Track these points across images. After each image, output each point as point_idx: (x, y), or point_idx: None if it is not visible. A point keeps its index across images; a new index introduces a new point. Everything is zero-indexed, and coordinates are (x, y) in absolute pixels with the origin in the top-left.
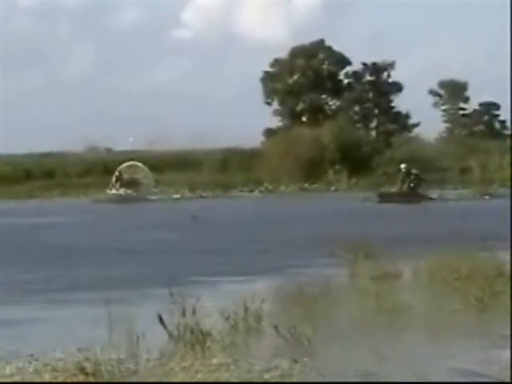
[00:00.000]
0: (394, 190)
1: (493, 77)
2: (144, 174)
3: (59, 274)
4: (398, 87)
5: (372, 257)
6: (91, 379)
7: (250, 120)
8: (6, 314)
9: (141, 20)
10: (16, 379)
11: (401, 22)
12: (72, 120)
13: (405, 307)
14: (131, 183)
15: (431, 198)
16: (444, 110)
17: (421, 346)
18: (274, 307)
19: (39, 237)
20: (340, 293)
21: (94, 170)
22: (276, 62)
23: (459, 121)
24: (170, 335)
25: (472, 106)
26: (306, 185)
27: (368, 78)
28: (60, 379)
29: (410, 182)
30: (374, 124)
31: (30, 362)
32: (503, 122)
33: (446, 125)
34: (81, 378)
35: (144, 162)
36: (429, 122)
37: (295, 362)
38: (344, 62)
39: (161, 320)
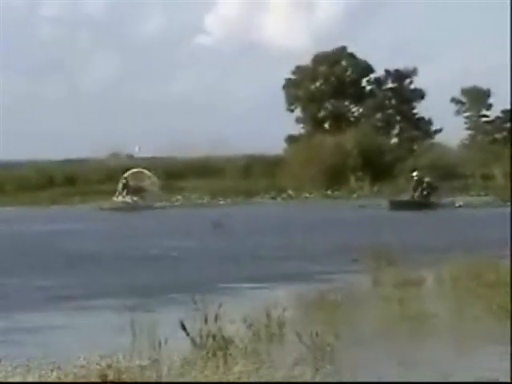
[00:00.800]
0: (406, 197)
1: None
2: (150, 181)
3: (84, 281)
4: (420, 94)
5: (395, 264)
6: None
7: (272, 127)
8: (28, 320)
9: (162, 29)
10: None
11: (424, 28)
12: (94, 127)
13: (428, 314)
14: (137, 190)
15: (443, 206)
16: (466, 117)
17: (444, 353)
18: (296, 314)
19: (63, 244)
20: (363, 300)
21: (116, 176)
22: (298, 69)
23: (482, 128)
24: (193, 342)
25: (494, 112)
26: (329, 192)
27: (390, 84)
28: None
29: (422, 190)
30: (396, 131)
31: (52, 370)
32: None
33: (469, 132)
34: None
35: (166, 169)
36: (451, 129)
37: (317, 369)
38: (367, 68)
39: (183, 327)
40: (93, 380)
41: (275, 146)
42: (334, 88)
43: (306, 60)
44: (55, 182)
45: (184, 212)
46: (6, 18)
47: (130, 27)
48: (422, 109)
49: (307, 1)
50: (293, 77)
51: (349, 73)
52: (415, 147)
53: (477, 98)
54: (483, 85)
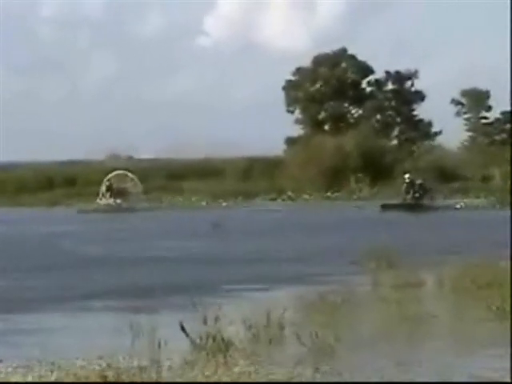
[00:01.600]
0: (397, 200)
1: None
2: (133, 183)
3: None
4: (421, 96)
5: (394, 266)
6: None
7: (272, 128)
8: (28, 321)
9: (161, 29)
10: None
11: (424, 29)
12: (93, 128)
13: (427, 316)
14: (120, 193)
15: (436, 208)
16: (466, 119)
17: (443, 355)
18: (296, 315)
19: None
20: (362, 301)
21: None
22: (298, 71)
23: (482, 129)
24: (193, 343)
25: (494, 114)
26: (329, 193)
27: (391, 86)
28: None
29: (414, 192)
30: (396, 132)
31: (51, 371)
32: None
33: (469, 133)
34: None
35: (166, 170)
36: (451, 131)
37: (317, 370)
38: (367, 70)
39: (182, 328)
40: (93, 380)
41: (275, 148)
42: (334, 89)
43: (306, 61)
44: (55, 183)
45: (181, 214)
46: (5, 17)
47: (130, 27)
48: (421, 110)
49: (307, 1)
50: (293, 78)
51: (349, 74)
52: (415, 149)
53: (477, 99)
54: (483, 86)
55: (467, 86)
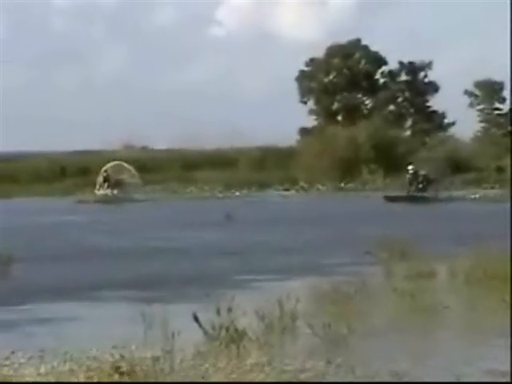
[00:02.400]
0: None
1: None
2: (130, 174)
3: (96, 273)
4: (434, 87)
5: (407, 256)
6: (126, 379)
7: (285, 119)
8: (41, 312)
9: (175, 19)
10: (50, 378)
11: (438, 21)
12: (107, 119)
13: (439, 306)
14: (118, 183)
15: (440, 200)
16: (479, 110)
17: (456, 346)
18: (309, 306)
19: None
20: (375, 292)
21: None
22: (312, 62)
23: (495, 120)
24: (206, 334)
25: (507, 106)
26: (342, 184)
27: (404, 77)
28: (95, 379)
29: (418, 184)
30: (409, 123)
31: (64, 362)
32: None
33: (482, 124)
34: (116, 378)
35: (180, 161)
36: (464, 122)
37: (329, 362)
38: (380, 61)
39: (196, 319)
40: (106, 372)
41: (288, 138)
42: (348, 80)
43: (318, 52)
44: (68, 173)
45: (198, 203)
46: (20, 8)
47: (143, 18)
48: (435, 101)
49: None
50: (306, 69)
51: (362, 65)
52: (428, 140)
53: (490, 90)
54: (497, 77)
55: (481, 77)
